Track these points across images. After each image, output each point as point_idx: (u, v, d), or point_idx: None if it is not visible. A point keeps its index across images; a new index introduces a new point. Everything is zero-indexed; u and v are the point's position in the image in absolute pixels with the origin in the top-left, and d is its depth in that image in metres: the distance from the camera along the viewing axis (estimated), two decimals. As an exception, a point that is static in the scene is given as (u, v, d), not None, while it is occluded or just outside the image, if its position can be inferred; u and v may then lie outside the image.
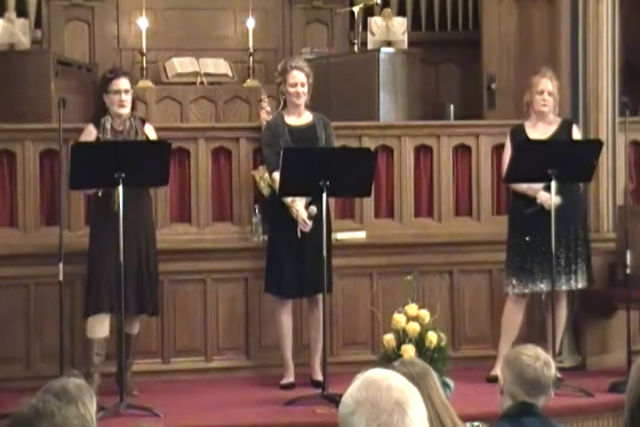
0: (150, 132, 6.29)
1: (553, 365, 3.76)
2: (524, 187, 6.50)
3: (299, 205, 6.30)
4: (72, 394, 3.30)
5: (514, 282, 6.51)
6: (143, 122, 6.32)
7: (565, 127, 6.64)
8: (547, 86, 6.54)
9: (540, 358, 3.73)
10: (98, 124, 6.15)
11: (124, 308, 5.92)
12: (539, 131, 6.61)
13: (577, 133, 6.69)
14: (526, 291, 6.53)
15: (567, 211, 6.43)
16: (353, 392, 2.17)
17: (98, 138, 6.12)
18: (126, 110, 6.16)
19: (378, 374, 2.21)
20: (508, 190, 6.78)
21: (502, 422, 3.70)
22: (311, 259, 6.24)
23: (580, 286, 6.59)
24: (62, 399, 3.06)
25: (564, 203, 6.35)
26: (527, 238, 6.47)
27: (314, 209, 6.22)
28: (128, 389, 6.05)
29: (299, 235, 6.31)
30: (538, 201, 6.45)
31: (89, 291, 6.09)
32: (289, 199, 6.31)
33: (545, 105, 6.55)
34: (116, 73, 6.28)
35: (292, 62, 6.59)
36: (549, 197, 6.34)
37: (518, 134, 6.61)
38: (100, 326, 6.10)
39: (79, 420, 2.09)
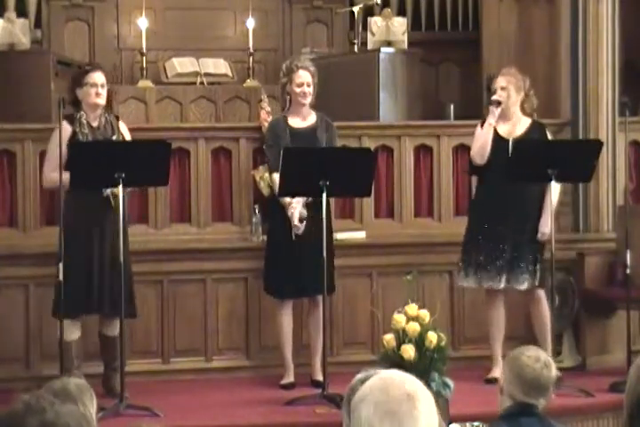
0: (124, 130, 6.26)
1: (553, 366, 3.77)
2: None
3: (294, 208, 6.30)
4: (72, 394, 3.31)
5: (467, 277, 6.52)
6: (117, 119, 6.30)
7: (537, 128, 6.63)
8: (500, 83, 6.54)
9: (540, 360, 3.73)
10: (71, 121, 6.09)
11: (100, 310, 5.97)
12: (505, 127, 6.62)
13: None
14: (475, 285, 6.53)
15: (525, 210, 6.44)
16: (366, 384, 2.18)
17: (75, 132, 6.05)
18: (102, 101, 6.11)
19: (394, 372, 2.23)
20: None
21: (501, 422, 3.70)
22: (310, 259, 6.23)
23: (523, 287, 6.48)
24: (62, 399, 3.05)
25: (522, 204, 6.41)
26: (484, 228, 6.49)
27: (304, 212, 6.23)
28: (116, 391, 5.98)
29: (293, 237, 6.31)
30: None
31: (60, 292, 5.87)
32: (287, 199, 6.31)
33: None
34: (92, 66, 6.27)
35: (297, 62, 6.58)
36: None
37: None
38: (76, 328, 6.08)
39: (73, 417, 1.96)
